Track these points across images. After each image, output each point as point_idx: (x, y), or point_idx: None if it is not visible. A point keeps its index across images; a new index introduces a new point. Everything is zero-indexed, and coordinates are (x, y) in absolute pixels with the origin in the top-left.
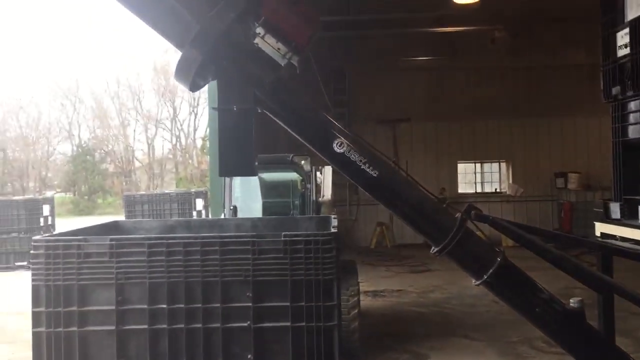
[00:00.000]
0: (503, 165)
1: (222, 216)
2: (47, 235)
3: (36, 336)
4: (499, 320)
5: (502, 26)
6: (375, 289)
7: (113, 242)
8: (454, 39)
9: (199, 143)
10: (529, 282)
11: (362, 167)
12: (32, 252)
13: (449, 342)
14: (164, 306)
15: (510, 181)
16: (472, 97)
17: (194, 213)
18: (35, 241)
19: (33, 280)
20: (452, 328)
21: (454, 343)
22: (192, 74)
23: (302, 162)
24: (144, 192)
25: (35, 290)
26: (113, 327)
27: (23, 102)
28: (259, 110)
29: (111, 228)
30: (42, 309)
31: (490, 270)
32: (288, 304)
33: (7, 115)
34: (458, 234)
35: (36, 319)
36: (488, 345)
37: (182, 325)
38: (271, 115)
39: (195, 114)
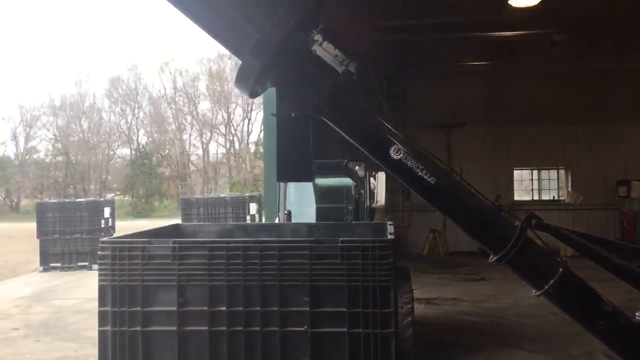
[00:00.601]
0: (562, 172)
1: (276, 220)
2: (113, 237)
3: (102, 335)
4: (558, 332)
5: (563, 29)
6: (428, 296)
7: (175, 245)
8: (511, 42)
9: (252, 148)
10: (592, 294)
11: (419, 173)
12: (99, 252)
13: (504, 353)
14: (224, 308)
15: (570, 189)
16: (530, 102)
17: (248, 217)
18: (103, 242)
19: (100, 280)
20: (507, 339)
21: (510, 354)
22: (251, 81)
23: (356, 167)
24: (200, 196)
25: (102, 290)
26: (175, 328)
27: (85, 107)
28: (317, 117)
29: (172, 231)
30: (108, 308)
31: (552, 281)
32: (345, 309)
33: (71, 120)
34: (518, 242)
35: (102, 318)
36: (545, 357)
37: (241, 328)
38: (328, 122)
39: (249, 119)
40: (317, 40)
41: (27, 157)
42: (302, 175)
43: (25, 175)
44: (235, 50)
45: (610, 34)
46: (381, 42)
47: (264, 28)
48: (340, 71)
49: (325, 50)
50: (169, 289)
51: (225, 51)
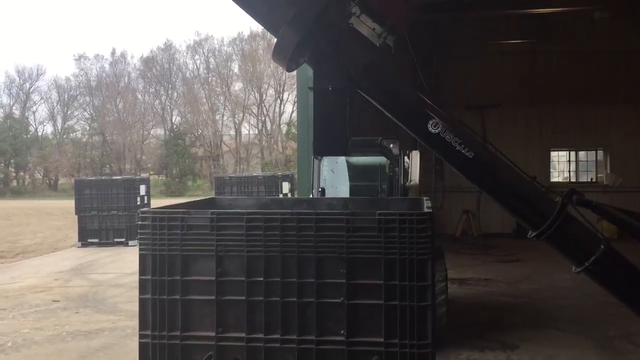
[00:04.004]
0: (600, 153)
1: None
2: (153, 208)
3: (142, 302)
4: (594, 313)
5: (603, 6)
6: (462, 277)
7: (214, 216)
8: (549, 20)
9: (284, 128)
10: (635, 271)
11: (457, 147)
12: (139, 222)
13: (539, 333)
14: (261, 279)
15: (608, 170)
16: (568, 82)
17: (281, 196)
18: (143, 212)
19: (140, 249)
20: (542, 319)
21: (545, 334)
22: (289, 54)
23: (391, 145)
24: (233, 174)
25: (142, 259)
26: (213, 297)
27: (120, 87)
28: (354, 90)
29: (209, 204)
30: (149, 277)
31: (593, 257)
32: (381, 282)
33: (107, 100)
34: (558, 218)
35: (142, 286)
36: (582, 338)
37: (278, 299)
38: (365, 95)
39: (281, 99)
40: (355, 13)
41: (64, 136)
42: (337, 148)
43: (63, 154)
44: (270, 25)
45: None
46: (414, 20)
47: (301, 1)
48: (378, 44)
49: (362, 23)
50: (207, 259)
51: (257, 31)
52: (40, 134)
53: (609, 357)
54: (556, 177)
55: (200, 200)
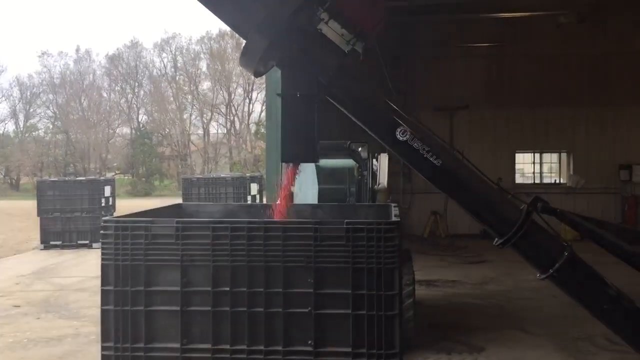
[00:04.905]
0: (564, 155)
1: (278, 201)
2: (116, 216)
3: (104, 314)
4: (558, 315)
5: (569, 11)
6: (429, 278)
7: (179, 225)
8: (516, 24)
9: (253, 128)
10: (597, 278)
11: (425, 155)
12: (102, 232)
13: (505, 334)
14: (227, 289)
15: (571, 172)
16: (533, 85)
17: (249, 197)
18: (106, 221)
19: (103, 259)
20: (508, 321)
21: (511, 336)
22: (257, 60)
23: (359, 149)
24: (200, 176)
25: (105, 270)
26: (178, 308)
27: (85, 85)
28: (322, 97)
29: (175, 211)
30: (111, 287)
31: (557, 265)
32: (349, 291)
33: (71, 98)
34: (523, 226)
35: (105, 297)
36: (546, 339)
37: (245, 309)
38: (334, 102)
39: (250, 99)
40: (324, 19)
41: (26, 135)
42: (307, 155)
43: (25, 153)
44: (239, 28)
45: (617, 17)
46: (386, 23)
47: (270, 5)
48: (346, 51)
49: (331, 29)
50: (172, 269)
51: (226, 30)
52: (1, 132)
53: (572, 359)
54: (520, 178)
55: (166, 207)
